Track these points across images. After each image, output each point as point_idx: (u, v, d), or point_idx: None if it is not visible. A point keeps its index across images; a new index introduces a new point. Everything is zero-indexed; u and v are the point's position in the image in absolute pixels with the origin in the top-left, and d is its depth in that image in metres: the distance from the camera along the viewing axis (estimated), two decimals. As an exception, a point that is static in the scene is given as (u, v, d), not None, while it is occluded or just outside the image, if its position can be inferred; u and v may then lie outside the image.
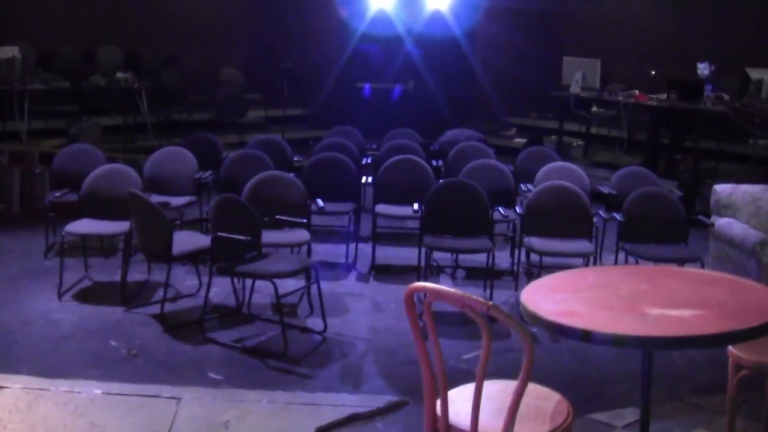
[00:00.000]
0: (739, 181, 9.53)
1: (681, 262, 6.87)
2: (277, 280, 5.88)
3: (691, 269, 4.29)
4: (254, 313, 6.51)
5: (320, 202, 7.35)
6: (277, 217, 6.48)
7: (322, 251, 8.16)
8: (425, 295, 3.22)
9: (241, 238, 5.79)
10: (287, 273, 5.84)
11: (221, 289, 6.76)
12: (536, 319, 3.21)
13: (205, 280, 6.64)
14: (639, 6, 14.16)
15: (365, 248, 8.06)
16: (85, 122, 11.20)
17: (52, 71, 12.30)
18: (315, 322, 6.32)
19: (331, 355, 5.84)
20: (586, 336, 2.97)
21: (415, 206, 7.01)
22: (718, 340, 3.00)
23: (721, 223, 6.99)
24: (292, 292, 6.65)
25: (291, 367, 5.61)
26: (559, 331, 3.10)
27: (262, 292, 6.70)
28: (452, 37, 14.09)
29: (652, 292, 3.40)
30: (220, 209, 6.06)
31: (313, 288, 6.45)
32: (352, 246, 8.13)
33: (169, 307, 6.55)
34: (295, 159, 8.99)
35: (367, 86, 13.82)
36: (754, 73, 10.20)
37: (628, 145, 12.06)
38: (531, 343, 2.94)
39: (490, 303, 2.92)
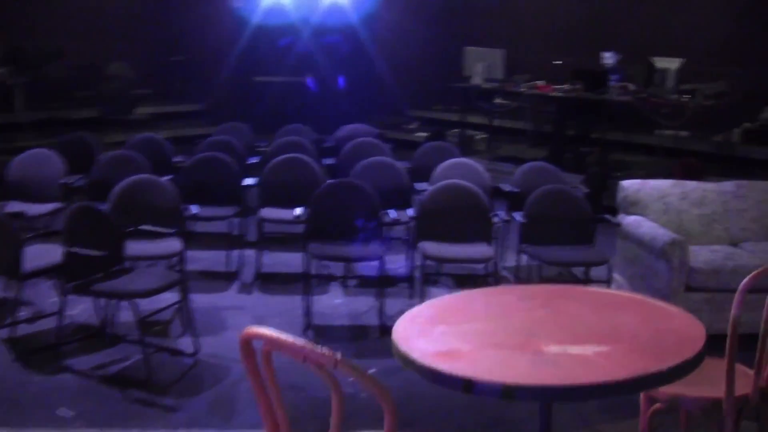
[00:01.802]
0: (647, 177, 9.18)
1: (587, 265, 6.40)
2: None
3: (595, 289, 3.73)
4: (120, 334, 5.82)
5: (194, 207, 6.66)
6: (141, 227, 5.78)
7: (203, 260, 7.49)
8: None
9: (95, 253, 5.09)
10: (150, 291, 5.17)
11: (88, 305, 6.04)
12: (408, 363, 2.60)
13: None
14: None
15: (251, 255, 7.41)
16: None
17: None
18: (188, 343, 5.65)
19: (202, 382, 5.19)
20: (467, 387, 2.38)
21: (297, 211, 6.38)
22: (629, 387, 2.45)
23: (629, 221, 6.52)
24: (163, 309, 5.97)
25: (154, 398, 4.96)
26: (435, 379, 2.50)
27: (131, 309, 5.97)
28: (351, 28, 13.48)
29: (551, 320, 2.84)
30: (74, 220, 5.35)
31: (191, 304, 5.80)
32: (236, 253, 7.46)
33: (25, 329, 5.84)
34: (177, 160, 8.27)
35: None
36: (660, 62, 9.84)
37: (534, 138, 11.66)
38: (391, 403, 2.33)
39: (338, 357, 2.30)
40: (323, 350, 2.31)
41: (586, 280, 6.65)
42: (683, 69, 9.98)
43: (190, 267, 7.28)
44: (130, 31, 13.76)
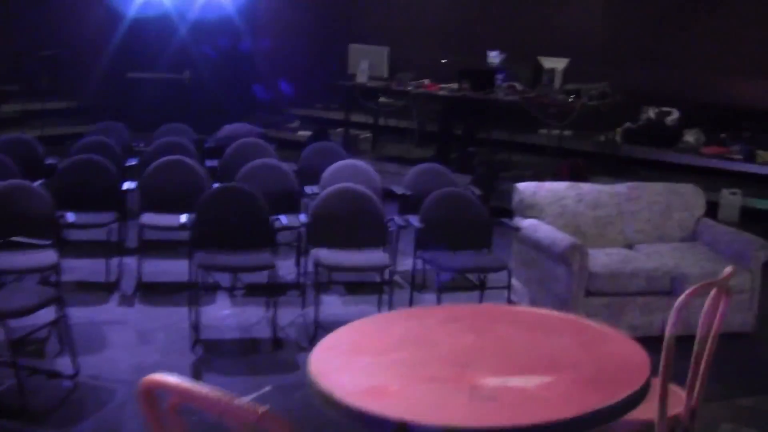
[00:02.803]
0: (533, 177, 9.13)
1: (487, 271, 6.24)
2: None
3: (523, 308, 3.54)
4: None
5: (71, 215, 6.21)
6: (12, 239, 5.32)
7: (79, 269, 7.02)
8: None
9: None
10: (22, 310, 4.75)
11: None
12: (331, 403, 2.32)
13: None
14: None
15: (132, 263, 6.99)
16: None
17: None
18: (66, 363, 5.23)
19: (84, 407, 4.80)
20: (401, 430, 2.12)
21: (183, 217, 6.00)
22: (580, 424, 2.23)
23: (526, 225, 6.40)
24: (39, 328, 5.51)
25: (32, 428, 4.54)
26: (364, 421, 2.23)
27: (1, 329, 5.50)
28: (230, 22, 13.04)
29: (482, 347, 2.61)
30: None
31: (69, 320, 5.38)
32: (115, 262, 7.02)
33: None
34: (50, 162, 7.75)
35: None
36: (547, 62, 9.81)
37: (420, 138, 11.49)
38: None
39: (262, 410, 1.98)
40: (243, 403, 1.99)
41: (483, 286, 6.50)
42: (568, 69, 9.99)
43: (66, 278, 6.80)
44: (-5, 23, 12.99)
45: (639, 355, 2.62)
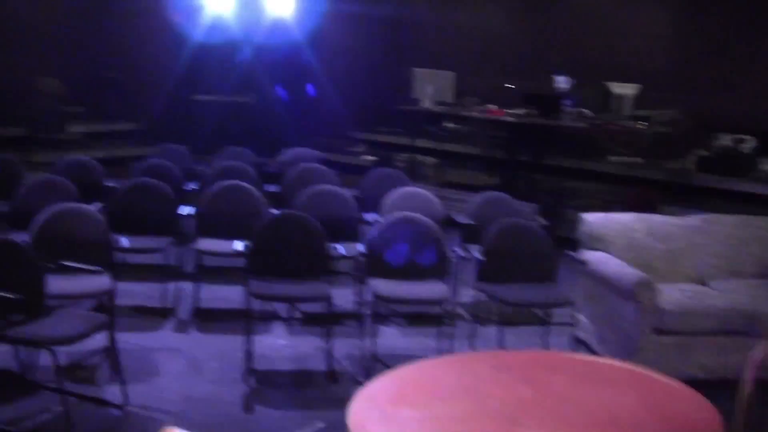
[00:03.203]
0: (602, 206, 8.85)
1: (550, 306, 6.00)
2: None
3: (582, 357, 3.30)
4: (41, 381, 5.24)
5: (125, 240, 6.12)
6: (65, 263, 5.23)
7: (136, 294, 6.94)
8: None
9: (7, 295, 4.53)
10: (70, 338, 4.62)
11: (8, 347, 5.45)
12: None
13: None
14: (493, 16, 13.39)
15: (189, 288, 6.88)
16: None
17: None
18: (116, 392, 5.10)
19: (130, 438, 4.67)
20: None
21: (238, 245, 5.86)
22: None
23: (593, 258, 6.14)
24: (89, 355, 5.41)
25: (76, 458, 4.42)
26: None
27: (58, 351, 5.37)
28: (295, 47, 12.98)
29: (536, 402, 2.40)
30: (-13, 256, 4.79)
31: (121, 346, 5.29)
32: (172, 286, 6.93)
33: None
34: (109, 184, 7.70)
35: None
36: (616, 88, 9.53)
37: (485, 164, 11.26)
38: None
39: None
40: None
41: (548, 321, 6.24)
42: (637, 95, 9.70)
43: (122, 302, 6.72)
44: (62, 45, 13.09)
45: (708, 415, 2.37)
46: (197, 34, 12.56)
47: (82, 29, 13.29)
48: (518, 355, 3.44)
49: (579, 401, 2.46)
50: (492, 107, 10.48)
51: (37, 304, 4.91)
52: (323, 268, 5.85)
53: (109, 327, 5.02)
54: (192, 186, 7.91)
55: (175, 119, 12.59)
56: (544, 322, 6.38)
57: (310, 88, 13.26)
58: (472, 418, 2.32)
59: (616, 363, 2.91)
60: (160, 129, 12.39)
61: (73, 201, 6.66)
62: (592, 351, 6.11)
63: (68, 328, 4.67)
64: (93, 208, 6.80)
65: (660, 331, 5.49)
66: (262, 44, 12.72)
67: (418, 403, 2.40)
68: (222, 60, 12.68)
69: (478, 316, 6.55)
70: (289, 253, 5.84)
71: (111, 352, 5.13)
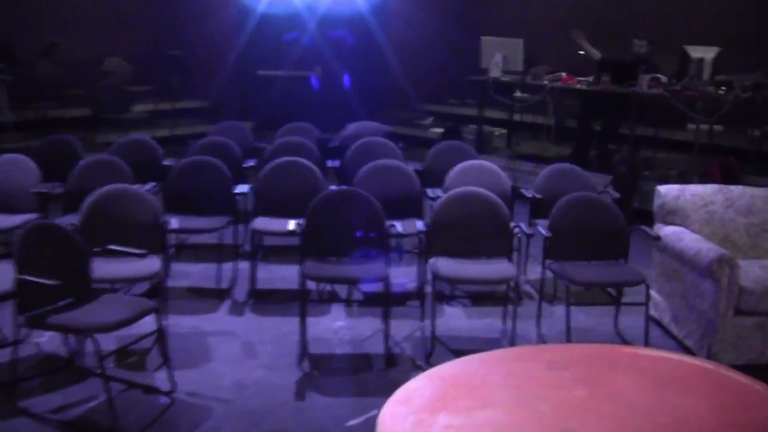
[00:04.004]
0: (680, 177, 8.40)
1: (622, 285, 5.65)
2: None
3: (647, 352, 2.96)
4: (90, 367, 5.10)
5: (174, 221, 5.93)
6: (109, 247, 5.04)
7: (191, 275, 6.79)
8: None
9: (49, 281, 4.36)
10: (114, 324, 4.44)
11: (54, 334, 5.33)
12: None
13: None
14: (564, -20, 12.93)
15: (247, 268, 6.67)
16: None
17: None
18: (165, 378, 4.93)
19: (177, 426, 4.48)
20: None
21: (291, 224, 5.62)
22: None
23: (668, 233, 5.76)
24: (137, 340, 5.22)
25: (118, 448, 4.25)
26: None
27: (108, 336, 5.19)
28: (361, 18, 12.70)
29: (593, 406, 2.09)
30: (30, 240, 4.62)
31: (173, 328, 5.12)
32: (229, 266, 6.75)
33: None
34: (168, 163, 7.53)
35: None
36: (695, 52, 9.01)
37: (556, 134, 10.86)
38: None
39: None
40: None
41: (620, 301, 5.89)
42: (717, 59, 9.17)
43: (179, 283, 6.62)
44: (127, 25, 13.03)
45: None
46: (260, 7, 12.38)
47: (146, 8, 13.22)
48: (577, 349, 3.11)
49: (642, 405, 2.14)
50: (563, 75, 10.04)
51: (82, 290, 4.76)
52: (380, 246, 5.58)
53: (158, 311, 4.83)
54: (251, 163, 7.70)
55: (240, 95, 12.44)
56: (615, 300, 6.04)
57: (375, 60, 12.96)
58: (518, 425, 2.02)
59: (688, 359, 2.56)
60: (224, 106, 12.27)
61: (127, 182, 6.51)
62: (666, 331, 5.75)
63: (110, 315, 4.49)
64: (147, 187, 6.69)
65: (740, 312, 5.10)
66: (326, 16, 12.47)
67: (458, 409, 2.11)
68: (286, 33, 12.45)
69: (546, 294, 6.22)
70: (345, 232, 5.59)
71: (160, 337, 4.93)
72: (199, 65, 12.88)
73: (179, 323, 5.78)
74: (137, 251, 5.00)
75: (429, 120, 12.81)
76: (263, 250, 7.25)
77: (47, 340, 5.40)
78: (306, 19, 12.46)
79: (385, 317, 5.41)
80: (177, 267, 7.00)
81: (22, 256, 4.54)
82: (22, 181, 6.67)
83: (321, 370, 5.21)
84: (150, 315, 4.72)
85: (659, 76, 9.08)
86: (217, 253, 6.76)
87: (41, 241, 4.66)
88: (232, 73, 12.56)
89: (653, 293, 5.82)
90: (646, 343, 5.37)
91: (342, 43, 12.55)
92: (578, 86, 9.80)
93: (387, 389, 4.90)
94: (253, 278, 6.50)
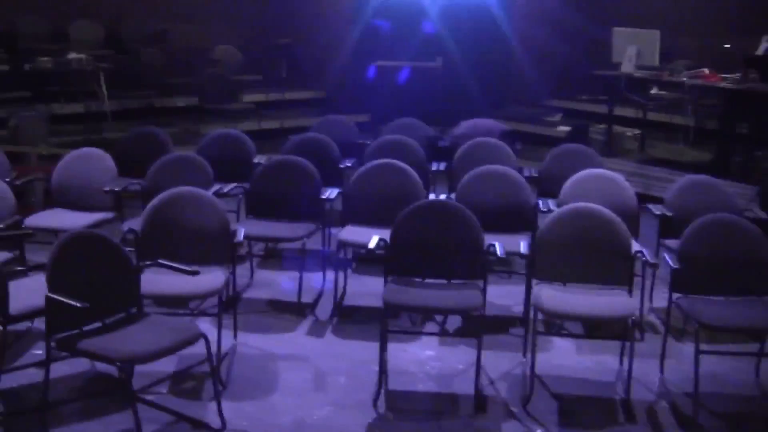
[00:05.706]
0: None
1: (763, 332, 4.73)
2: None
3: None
4: (138, 391, 4.50)
5: (248, 229, 5.30)
6: (160, 261, 4.43)
7: (275, 284, 6.23)
8: None
9: (75, 304, 3.76)
10: (149, 354, 3.83)
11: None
12: None
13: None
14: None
15: (332, 280, 6.00)
16: (24, 113, 9.27)
17: (12, 51, 10.44)
18: (224, 409, 4.29)
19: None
20: None
21: (374, 240, 4.90)
22: None
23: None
24: (199, 363, 4.61)
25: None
26: None
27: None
28: (485, 7, 11.95)
29: None
30: (66, 252, 4.05)
31: (242, 349, 4.53)
32: (317, 276, 6.17)
33: (17, 380, 4.57)
34: (257, 161, 6.95)
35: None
36: None
37: (695, 137, 9.96)
38: None
39: None
40: None
41: (762, 349, 4.95)
42: None
43: (260, 294, 6.03)
44: (237, 12, 12.60)
45: None
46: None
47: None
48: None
49: None
50: (705, 71, 9.27)
51: (126, 309, 4.17)
52: (475, 270, 4.81)
53: (218, 333, 4.21)
54: (348, 163, 7.04)
55: (356, 86, 11.87)
56: (759, 339, 5.09)
57: (499, 52, 12.18)
58: None
59: None
60: (339, 97, 11.74)
61: (206, 181, 5.99)
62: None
63: (148, 343, 3.89)
64: (228, 188, 6.17)
65: None
66: (447, 4, 11.76)
67: None
68: (405, 22, 11.82)
69: (674, 328, 5.34)
70: (435, 252, 4.84)
71: (213, 366, 4.30)
72: (311, 54, 12.38)
73: (249, 343, 5.18)
74: (188, 269, 4.36)
75: (558, 117, 11.97)
76: (356, 259, 6.59)
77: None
78: (426, 6, 11.79)
79: (478, 353, 4.61)
80: (261, 275, 6.43)
81: (56, 270, 3.98)
82: (99, 177, 6.20)
83: (397, 412, 4.49)
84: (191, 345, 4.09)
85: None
86: (300, 262, 6.12)
87: (81, 254, 4.10)
88: (347, 62, 12.01)
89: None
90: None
91: (380, 32, 11.89)
92: (722, 84, 9.00)
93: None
94: (336, 293, 5.83)
